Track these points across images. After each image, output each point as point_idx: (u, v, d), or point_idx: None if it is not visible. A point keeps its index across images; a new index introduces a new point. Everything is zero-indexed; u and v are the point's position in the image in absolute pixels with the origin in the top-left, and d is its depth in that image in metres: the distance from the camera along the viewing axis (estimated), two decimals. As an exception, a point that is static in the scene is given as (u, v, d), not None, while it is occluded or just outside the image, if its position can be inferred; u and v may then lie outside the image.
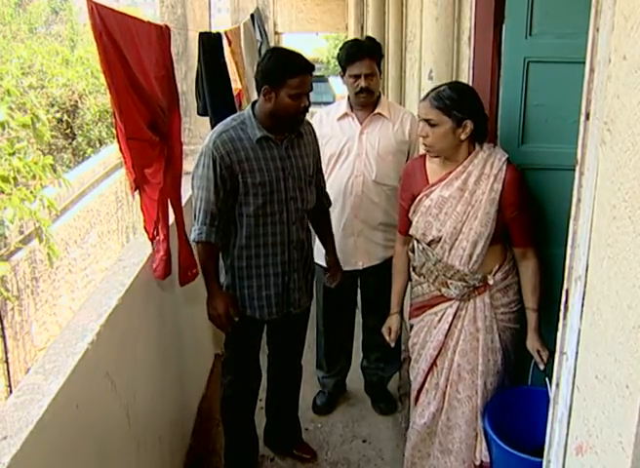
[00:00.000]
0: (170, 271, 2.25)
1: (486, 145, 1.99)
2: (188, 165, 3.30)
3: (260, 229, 2.17)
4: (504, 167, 1.93)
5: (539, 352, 2.01)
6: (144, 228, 2.03)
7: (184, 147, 2.83)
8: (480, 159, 1.95)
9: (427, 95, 1.94)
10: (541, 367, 1.99)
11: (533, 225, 2.01)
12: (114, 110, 1.73)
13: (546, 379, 1.86)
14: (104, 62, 1.66)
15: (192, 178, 2.14)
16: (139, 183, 1.89)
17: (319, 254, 2.73)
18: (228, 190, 2.11)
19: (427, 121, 1.92)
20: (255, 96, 2.20)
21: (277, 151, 2.15)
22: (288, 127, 2.15)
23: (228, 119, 2.19)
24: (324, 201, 2.47)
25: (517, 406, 2.05)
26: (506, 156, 1.95)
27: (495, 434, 1.93)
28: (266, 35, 6.20)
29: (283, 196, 2.18)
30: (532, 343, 2.02)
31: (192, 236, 2.16)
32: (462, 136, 1.91)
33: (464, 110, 1.88)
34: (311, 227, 2.43)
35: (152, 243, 2.06)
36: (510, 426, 1.98)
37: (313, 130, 2.36)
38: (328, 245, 2.56)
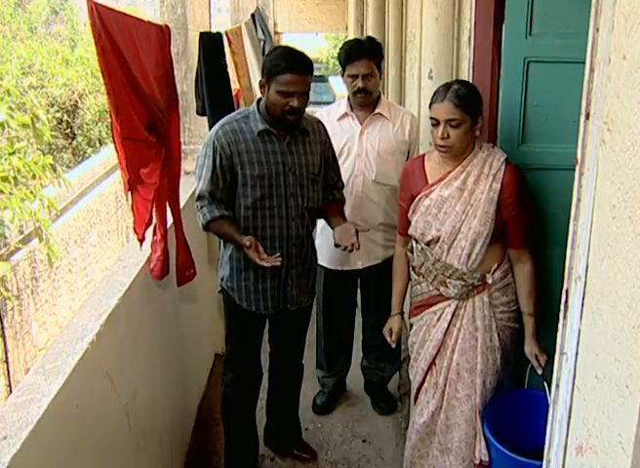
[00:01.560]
0: (167, 271, 2.25)
1: (485, 145, 1.99)
2: (188, 165, 3.31)
3: (259, 222, 2.18)
4: (503, 167, 1.93)
5: (536, 357, 2.01)
6: (134, 229, 2.03)
7: (184, 147, 2.83)
8: (479, 159, 1.95)
9: (443, 95, 1.89)
10: (539, 371, 1.99)
11: (530, 228, 2.00)
12: (111, 110, 1.73)
13: (544, 383, 1.86)
14: (103, 62, 1.66)
15: (195, 168, 2.19)
16: (133, 184, 1.88)
17: (320, 255, 2.73)
18: (228, 182, 2.13)
19: (449, 121, 1.88)
20: (258, 95, 2.22)
21: (279, 146, 2.16)
22: (281, 124, 2.15)
23: (234, 113, 2.23)
24: (340, 197, 2.42)
25: (515, 408, 2.05)
26: (505, 156, 1.95)
27: (493, 436, 1.93)
28: (269, 34, 6.20)
29: (283, 191, 2.18)
30: (530, 348, 2.02)
31: (200, 224, 2.17)
32: (477, 133, 1.93)
33: (478, 107, 1.91)
34: (324, 220, 2.40)
35: (141, 244, 2.05)
36: (508, 429, 1.98)
37: (324, 128, 2.34)
38: (336, 216, 2.32)
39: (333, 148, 2.40)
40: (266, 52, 4.94)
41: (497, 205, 1.93)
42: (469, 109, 1.88)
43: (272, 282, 2.25)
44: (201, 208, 2.15)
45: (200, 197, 2.15)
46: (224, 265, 2.29)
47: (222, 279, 2.31)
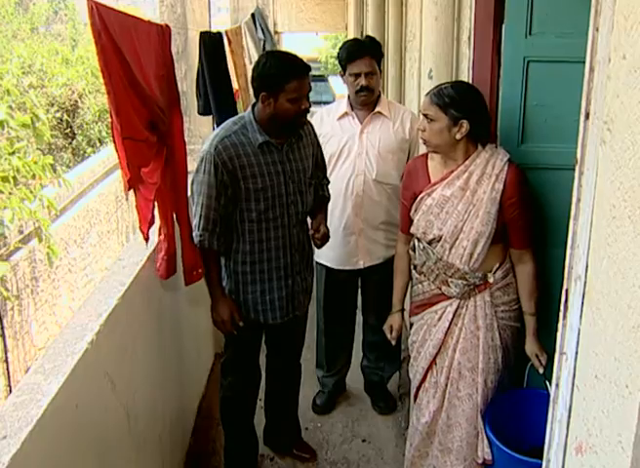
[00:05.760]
0: (174, 271, 2.24)
1: (488, 145, 1.99)
2: (189, 164, 3.31)
3: (263, 234, 2.17)
4: (506, 167, 1.93)
5: (537, 356, 2.01)
6: (139, 228, 2.03)
7: (184, 147, 2.82)
8: (482, 159, 1.95)
9: (430, 91, 1.97)
10: (540, 370, 2.00)
11: (532, 228, 2.01)
12: (111, 109, 1.73)
13: (546, 382, 1.87)
14: (103, 62, 1.66)
15: (192, 183, 2.13)
16: (133, 183, 1.88)
17: (319, 254, 2.73)
18: (229, 196, 2.09)
19: (426, 115, 1.95)
20: (253, 96, 2.19)
21: (277, 156, 2.14)
22: (290, 130, 2.14)
23: (229, 122, 2.16)
24: (324, 193, 2.43)
25: (516, 407, 2.05)
26: (508, 156, 1.95)
27: (494, 436, 1.93)
28: (269, 33, 6.20)
29: (284, 200, 2.17)
30: (530, 347, 2.03)
31: (194, 242, 2.16)
32: (458, 136, 1.92)
33: (462, 110, 1.89)
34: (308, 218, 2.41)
35: (147, 243, 2.05)
36: (509, 427, 1.98)
37: (313, 129, 2.35)
38: (317, 216, 2.39)
39: (321, 147, 2.40)
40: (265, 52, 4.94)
41: (499, 205, 1.93)
42: (447, 109, 1.89)
43: (279, 292, 2.24)
44: (202, 230, 2.11)
45: (204, 217, 2.09)
46: (226, 278, 2.25)
47: (224, 291, 2.26)
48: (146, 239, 2.02)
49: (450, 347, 2.06)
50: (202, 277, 2.36)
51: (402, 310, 2.32)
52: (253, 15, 5.81)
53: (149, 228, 2.02)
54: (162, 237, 2.19)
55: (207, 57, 3.25)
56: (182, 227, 2.27)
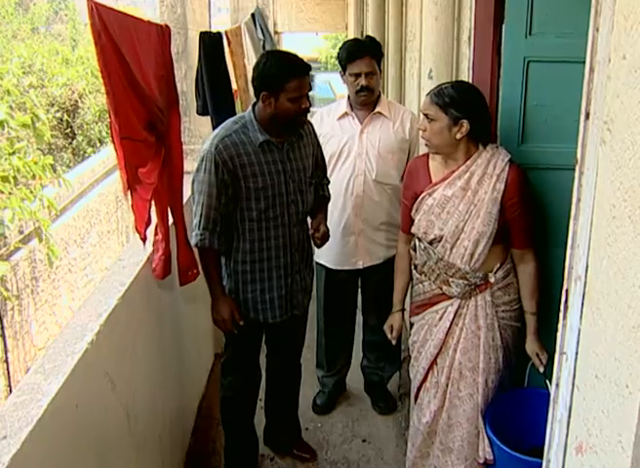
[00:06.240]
0: (169, 271, 2.24)
1: (489, 146, 1.99)
2: (187, 164, 3.31)
3: (263, 234, 2.17)
4: (507, 167, 1.93)
5: (537, 355, 2.01)
6: (135, 228, 2.03)
7: (184, 147, 2.83)
8: (483, 159, 1.95)
9: (431, 91, 1.98)
10: (541, 369, 2.01)
11: (533, 227, 2.01)
12: (110, 110, 1.73)
13: (547, 381, 1.87)
14: (102, 62, 1.66)
15: (192, 183, 2.13)
16: (131, 183, 1.88)
17: (319, 254, 2.73)
18: (230, 195, 2.10)
19: (426, 115, 1.95)
20: (253, 97, 2.19)
21: (278, 155, 2.14)
22: (290, 129, 2.14)
23: (229, 122, 2.17)
24: (324, 193, 2.43)
25: (517, 407, 2.05)
26: (509, 156, 1.95)
27: (495, 435, 1.93)
28: (269, 33, 6.19)
29: (284, 199, 2.17)
30: (531, 346, 2.03)
31: (193, 241, 2.15)
32: (458, 136, 1.92)
33: (462, 110, 1.89)
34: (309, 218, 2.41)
35: (144, 243, 2.05)
36: (510, 427, 1.98)
37: (313, 129, 2.35)
38: (317, 216, 2.38)
39: (321, 147, 2.40)
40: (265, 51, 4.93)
41: (500, 205, 1.93)
42: (447, 109, 1.90)
43: (279, 291, 2.25)
44: (203, 229, 2.09)
45: (205, 216, 2.08)
46: (227, 277, 2.25)
47: (224, 291, 2.26)
48: (143, 239, 2.02)
49: (451, 347, 2.06)
50: (197, 277, 2.37)
51: (402, 310, 2.32)
52: (253, 15, 5.81)
53: (146, 228, 2.02)
54: (159, 237, 2.19)
55: (206, 57, 3.24)
56: (178, 228, 2.27)
